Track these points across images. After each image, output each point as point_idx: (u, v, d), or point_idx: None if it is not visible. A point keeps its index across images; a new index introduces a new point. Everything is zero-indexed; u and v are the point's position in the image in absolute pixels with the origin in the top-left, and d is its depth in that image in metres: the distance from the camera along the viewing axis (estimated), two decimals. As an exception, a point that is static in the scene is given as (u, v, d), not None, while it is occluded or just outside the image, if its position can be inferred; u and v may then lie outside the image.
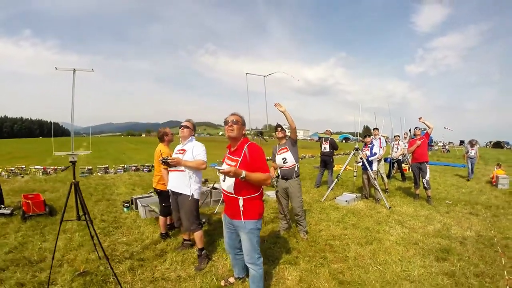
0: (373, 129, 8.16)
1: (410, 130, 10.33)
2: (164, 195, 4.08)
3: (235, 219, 2.50)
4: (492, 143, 48.41)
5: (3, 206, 5.59)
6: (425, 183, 6.60)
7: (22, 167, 11.73)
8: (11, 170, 11.01)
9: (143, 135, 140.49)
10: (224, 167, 2.38)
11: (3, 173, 10.65)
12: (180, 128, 3.60)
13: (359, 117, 6.74)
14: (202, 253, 3.48)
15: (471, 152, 10.69)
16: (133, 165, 12.61)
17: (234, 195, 2.44)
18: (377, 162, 6.86)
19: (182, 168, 3.38)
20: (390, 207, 6.03)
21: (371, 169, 6.49)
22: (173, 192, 3.54)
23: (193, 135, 3.63)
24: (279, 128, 4.43)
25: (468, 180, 10.27)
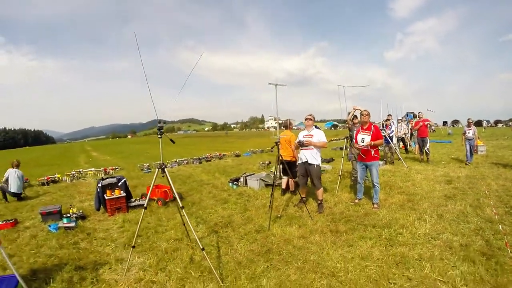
0: (388, 115, 11.27)
1: (407, 115, 13.49)
2: (292, 164, 6.43)
3: (369, 161, 5.36)
4: (474, 122, 52.93)
5: (137, 198, 6.69)
6: (427, 150, 9.80)
7: (80, 171, 12.86)
8: (72, 174, 12.14)
9: (129, 136, 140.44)
10: (364, 135, 5.30)
11: (65, 177, 11.74)
12: (305, 120, 5.47)
13: (380, 104, 9.74)
14: (321, 203, 5.38)
15: (468, 133, 9.59)
16: (184, 159, 15.01)
17: (369, 148, 5.30)
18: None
19: (311, 147, 5.25)
20: (407, 166, 9.12)
21: (392, 142, 9.55)
22: (306, 163, 5.31)
23: (314, 125, 5.69)
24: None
25: (466, 164, 9.29)
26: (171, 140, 4.07)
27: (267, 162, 11.45)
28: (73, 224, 5.32)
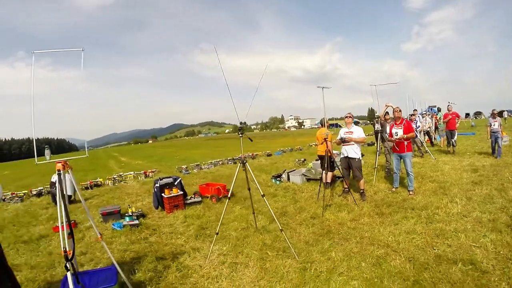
0: (413, 110, 11.98)
1: (431, 109, 14.11)
2: (329, 158, 7.07)
3: (403, 152, 6.22)
4: (497, 112, 52.14)
5: (192, 196, 7.16)
6: (453, 142, 10.49)
7: (120, 175, 13.73)
8: (113, 178, 12.89)
9: (150, 141, 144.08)
10: (397, 130, 6.17)
11: (107, 181, 12.49)
12: (346, 117, 6.35)
13: (406, 100, 10.49)
14: (364, 192, 6.20)
15: (494, 125, 9.19)
16: (219, 160, 16.08)
17: (402, 140, 6.15)
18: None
19: (352, 142, 6.09)
20: (435, 158, 9.85)
21: (418, 137, 10.31)
22: (347, 157, 6.18)
23: (353, 122, 6.47)
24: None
25: (496, 158, 9.09)
26: (249, 138, 4.69)
27: (302, 159, 12.36)
28: (136, 222, 5.70)
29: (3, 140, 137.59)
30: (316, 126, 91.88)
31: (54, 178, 8.96)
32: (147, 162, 23.33)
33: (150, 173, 14.04)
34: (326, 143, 6.13)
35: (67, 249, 2.75)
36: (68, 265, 2.70)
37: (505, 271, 3.17)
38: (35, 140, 3.17)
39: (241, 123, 4.20)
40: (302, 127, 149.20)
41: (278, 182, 8.79)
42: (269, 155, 17.34)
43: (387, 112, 8.03)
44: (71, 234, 2.90)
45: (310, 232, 4.74)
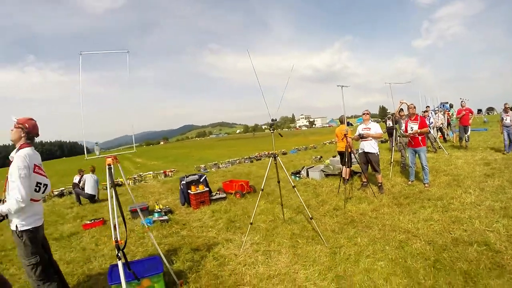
0: (426, 107, 12.30)
1: (443, 105, 14.37)
2: (349, 154, 7.81)
3: (417, 147, 6.61)
4: (509, 107, 51.73)
5: (217, 192, 7.45)
6: (466, 138, 10.80)
7: (140, 174, 14.38)
8: (134, 177, 13.57)
9: (161, 143, 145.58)
10: (413, 125, 6.56)
11: (127, 181, 12.52)
12: (363, 114, 6.77)
13: (419, 97, 10.81)
14: (381, 185, 6.57)
15: (506, 119, 9.09)
16: (236, 159, 16.65)
17: (416, 136, 6.55)
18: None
19: (370, 138, 6.47)
20: (448, 153, 10.19)
21: (431, 132, 10.66)
22: (366, 152, 6.60)
23: (369, 119, 6.84)
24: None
25: (504, 153, 9.15)
26: (279, 134, 4.98)
27: (319, 156, 12.80)
28: (166, 218, 5.95)
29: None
30: (327, 125, 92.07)
31: (76, 179, 9.62)
32: (163, 163, 23.93)
33: (170, 173, 14.74)
34: (346, 139, 6.53)
35: (119, 239, 2.84)
36: (119, 254, 2.80)
37: (517, 251, 3.56)
38: (86, 141, 3.51)
39: (272, 120, 4.47)
40: (313, 126, 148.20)
41: (297, 178, 9.19)
42: (284, 153, 17.85)
43: (401, 109, 8.41)
44: (123, 225, 3.08)
45: (334, 222, 5.15)
